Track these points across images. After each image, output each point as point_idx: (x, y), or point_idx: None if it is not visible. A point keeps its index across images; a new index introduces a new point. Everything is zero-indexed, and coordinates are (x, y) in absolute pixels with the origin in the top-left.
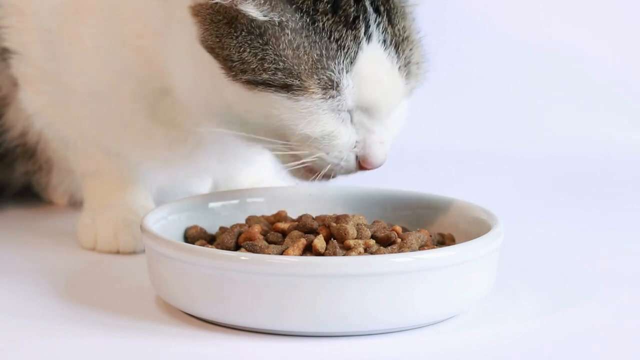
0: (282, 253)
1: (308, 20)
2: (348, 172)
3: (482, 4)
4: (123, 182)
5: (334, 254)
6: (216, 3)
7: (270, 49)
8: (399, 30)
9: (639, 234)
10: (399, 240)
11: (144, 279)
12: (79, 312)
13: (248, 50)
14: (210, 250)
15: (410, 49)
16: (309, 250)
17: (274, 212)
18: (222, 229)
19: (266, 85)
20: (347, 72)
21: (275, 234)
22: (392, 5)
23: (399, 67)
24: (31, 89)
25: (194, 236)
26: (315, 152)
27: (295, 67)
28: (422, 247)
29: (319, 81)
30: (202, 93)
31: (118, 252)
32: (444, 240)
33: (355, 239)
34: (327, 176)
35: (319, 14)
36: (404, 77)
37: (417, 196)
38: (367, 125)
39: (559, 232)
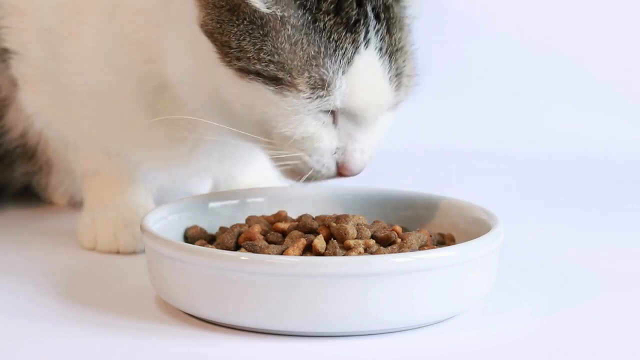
0: (282, 253)
1: (310, 17)
2: (328, 177)
3: (482, 5)
4: (123, 182)
5: (334, 254)
6: None
7: (269, 40)
8: (395, 40)
9: (639, 234)
10: (399, 240)
11: (144, 279)
12: (79, 312)
13: (248, 39)
14: (210, 250)
15: (404, 60)
16: (309, 250)
17: (274, 212)
18: (222, 229)
19: (257, 74)
20: (342, 73)
21: (275, 234)
22: (391, 14)
23: (390, 77)
24: (31, 89)
25: (194, 236)
26: (296, 154)
27: (289, 61)
28: (422, 247)
29: (309, 79)
30: (194, 77)
31: (118, 252)
32: (444, 240)
33: (355, 239)
34: (310, 179)
35: (321, 12)
36: (393, 87)
37: (417, 196)
38: (350, 132)
39: (559, 232)
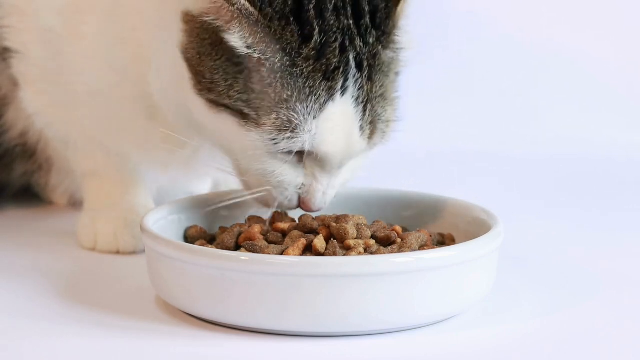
0: (282, 253)
1: (288, 62)
2: (289, 209)
3: (484, 6)
4: (123, 182)
5: (334, 254)
6: (206, 21)
7: (242, 79)
8: (376, 87)
9: (639, 234)
10: (399, 240)
11: (144, 279)
12: (79, 312)
13: (221, 74)
14: (210, 250)
15: (383, 107)
16: (309, 250)
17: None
18: (222, 229)
19: (225, 107)
20: (313, 118)
21: (275, 234)
22: (377, 62)
23: (362, 125)
24: (32, 88)
25: (194, 236)
26: (263, 185)
27: (257, 101)
28: (422, 247)
29: (275, 120)
30: (171, 92)
31: (118, 252)
32: (444, 240)
33: (355, 239)
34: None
35: (300, 58)
36: (366, 135)
37: (417, 196)
38: (315, 174)
39: (559, 232)
